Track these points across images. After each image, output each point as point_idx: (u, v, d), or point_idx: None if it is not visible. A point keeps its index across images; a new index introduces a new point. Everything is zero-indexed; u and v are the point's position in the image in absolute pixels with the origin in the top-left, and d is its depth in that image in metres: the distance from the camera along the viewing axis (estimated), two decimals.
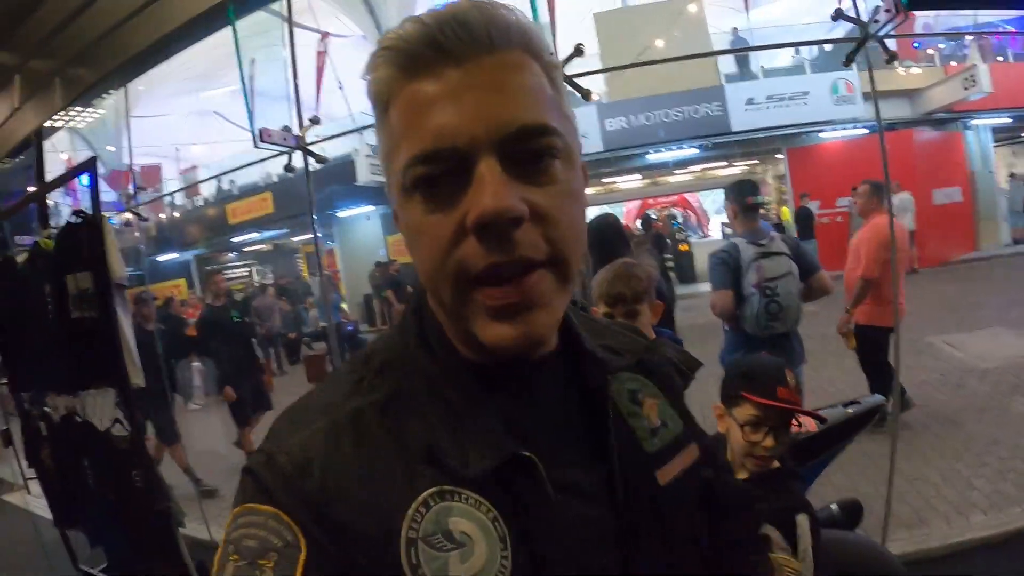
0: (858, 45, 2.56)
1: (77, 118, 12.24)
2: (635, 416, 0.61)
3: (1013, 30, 12.34)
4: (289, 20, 4.19)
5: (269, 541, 0.45)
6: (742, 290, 2.95)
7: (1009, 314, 6.69)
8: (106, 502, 2.80)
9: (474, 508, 0.48)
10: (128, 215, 4.71)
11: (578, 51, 3.27)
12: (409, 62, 0.47)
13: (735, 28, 12.39)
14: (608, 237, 2.97)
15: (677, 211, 19.46)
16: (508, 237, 0.45)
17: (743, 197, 3.08)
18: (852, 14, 2.52)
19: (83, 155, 15.56)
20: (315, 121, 3.61)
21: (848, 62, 2.70)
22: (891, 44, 2.60)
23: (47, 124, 4.01)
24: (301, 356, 11.06)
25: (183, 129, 19.75)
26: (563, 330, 0.59)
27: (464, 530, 0.47)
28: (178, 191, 17.96)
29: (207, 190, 17.20)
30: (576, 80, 3.11)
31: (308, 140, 3.46)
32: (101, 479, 2.82)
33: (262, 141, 3.54)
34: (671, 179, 15.72)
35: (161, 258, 18.40)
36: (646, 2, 12.50)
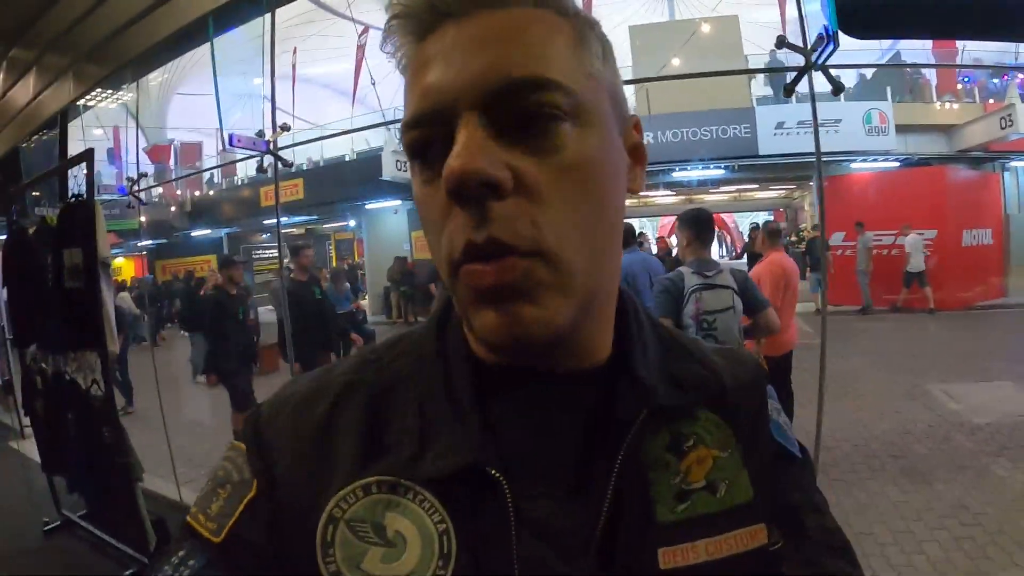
0: (799, 74, 2.51)
1: (121, 94, 12.69)
2: (663, 469, 0.48)
3: None
4: (272, 31, 4.39)
5: (231, 474, 0.48)
6: (682, 320, 2.89)
7: (1021, 368, 6.42)
8: (83, 452, 3.22)
9: (425, 512, 0.44)
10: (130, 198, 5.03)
11: (284, 127, 3.36)
12: (415, 27, 0.43)
13: (772, 50, 12.31)
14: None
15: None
16: (485, 209, 0.39)
17: (698, 227, 3.07)
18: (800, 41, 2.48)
19: (127, 130, 16.17)
20: (285, 128, 3.81)
21: (788, 92, 2.66)
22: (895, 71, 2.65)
23: (83, 101, 4.50)
24: None
25: (228, 109, 20.38)
26: (618, 344, 0.51)
27: (400, 530, 0.44)
28: (215, 168, 18.48)
29: (243, 170, 17.71)
30: None
31: (280, 144, 3.69)
32: (80, 432, 3.23)
33: (231, 145, 3.81)
34: (706, 198, 15.69)
35: (195, 233, 19.03)
36: (672, 19, 12.48)
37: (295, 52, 17.62)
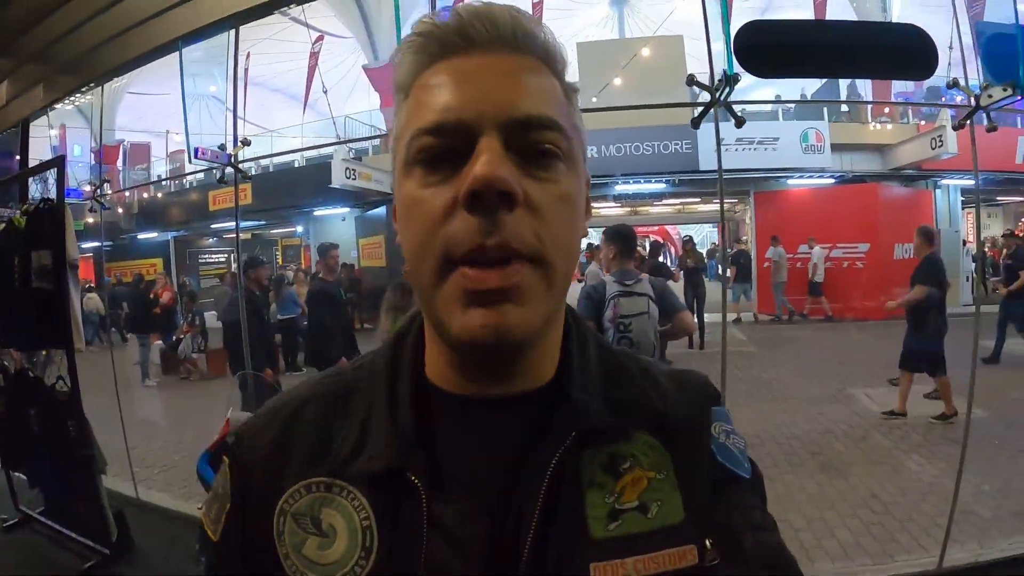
0: (705, 109, 2.73)
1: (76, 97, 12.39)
2: (598, 488, 0.51)
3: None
4: (236, 47, 4.43)
5: (219, 486, 0.57)
6: (602, 324, 3.14)
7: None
8: (45, 447, 3.36)
9: (353, 509, 0.50)
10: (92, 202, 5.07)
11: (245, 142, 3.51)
12: (437, 47, 0.48)
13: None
14: None
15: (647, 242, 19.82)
16: (497, 217, 0.43)
17: (620, 241, 3.31)
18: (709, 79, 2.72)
19: (79, 131, 15.76)
20: (246, 142, 3.89)
21: (695, 125, 2.83)
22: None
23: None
24: None
25: (179, 112, 19.93)
26: (561, 368, 0.55)
27: (332, 523, 0.50)
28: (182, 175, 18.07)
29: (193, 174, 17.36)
30: None
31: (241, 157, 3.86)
32: (43, 427, 3.37)
33: (196, 158, 3.91)
34: (651, 210, 15.96)
35: (142, 236, 18.58)
36: (621, 37, 12.68)
37: (248, 56, 17.36)
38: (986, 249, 14.76)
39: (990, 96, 2.93)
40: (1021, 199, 17.31)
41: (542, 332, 0.49)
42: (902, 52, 2.78)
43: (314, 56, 15.83)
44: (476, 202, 0.43)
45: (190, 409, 6.59)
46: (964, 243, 14.12)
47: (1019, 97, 2.91)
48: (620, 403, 0.55)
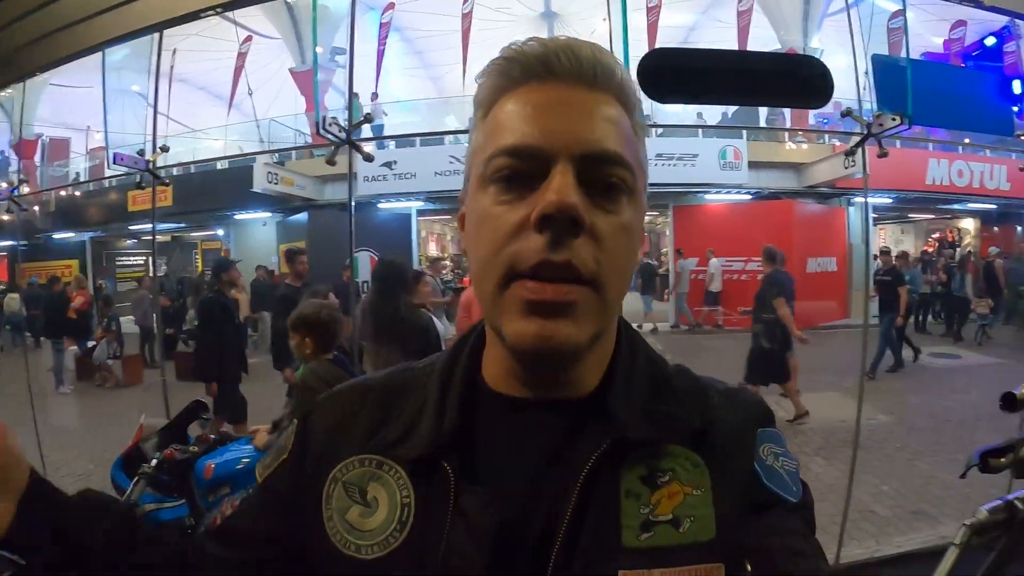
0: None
1: None
2: (635, 498, 0.53)
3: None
4: (159, 51, 4.44)
5: (282, 440, 0.66)
6: None
7: (846, 381, 7.01)
8: None
9: (397, 486, 0.57)
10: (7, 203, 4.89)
11: (367, 119, 3.51)
12: (520, 73, 0.52)
13: None
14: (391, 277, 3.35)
15: None
16: (565, 239, 0.47)
17: None
18: None
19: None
20: (164, 149, 4.01)
21: None
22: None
23: None
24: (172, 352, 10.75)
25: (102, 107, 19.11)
26: (604, 379, 0.58)
27: (377, 496, 0.56)
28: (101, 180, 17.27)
29: (113, 177, 16.65)
30: (361, 144, 3.42)
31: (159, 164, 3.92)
32: None
33: (114, 163, 3.87)
34: None
35: (57, 236, 17.69)
36: None
37: (175, 53, 16.78)
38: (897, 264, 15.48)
39: (881, 124, 3.07)
40: (931, 216, 18.29)
41: (588, 348, 0.52)
42: (799, 81, 2.92)
43: (242, 56, 15.39)
44: (546, 224, 0.47)
45: (105, 417, 6.35)
46: (875, 258, 14.78)
47: (906, 126, 3.04)
48: (661, 417, 0.56)
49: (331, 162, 3.25)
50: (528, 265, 0.48)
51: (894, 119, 3.01)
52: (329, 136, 3.01)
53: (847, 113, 3.33)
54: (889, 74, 3.55)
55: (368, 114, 3.23)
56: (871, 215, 14.30)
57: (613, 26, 3.38)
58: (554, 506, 0.52)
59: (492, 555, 0.51)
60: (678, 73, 2.87)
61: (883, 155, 3.38)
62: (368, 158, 3.46)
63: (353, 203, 3.51)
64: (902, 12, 12.72)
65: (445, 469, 0.54)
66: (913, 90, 3.16)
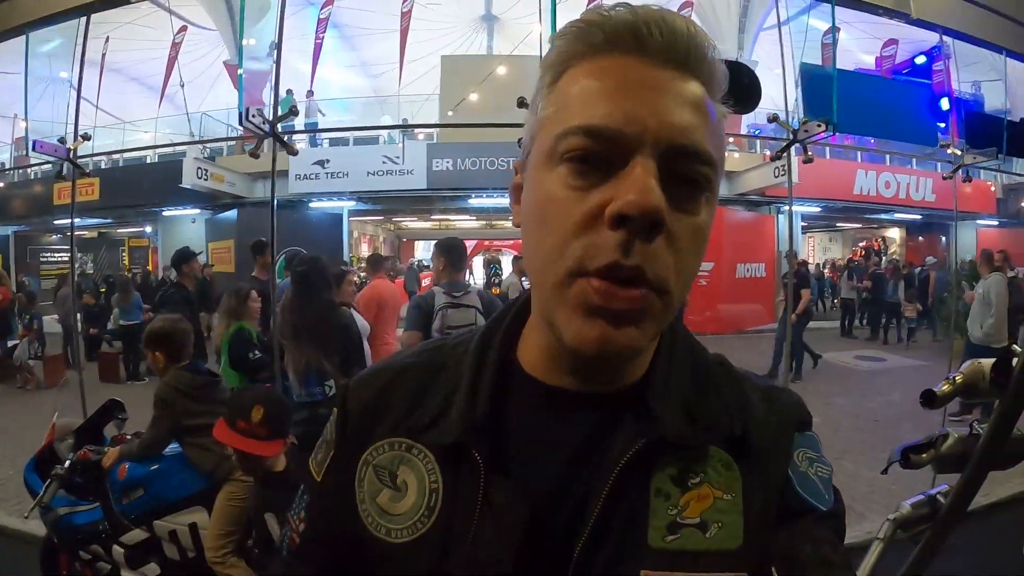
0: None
1: None
2: (664, 498, 0.51)
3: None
4: (85, 37, 4.29)
5: (327, 434, 0.64)
6: (429, 333, 3.17)
7: (769, 383, 7.17)
8: None
9: (426, 471, 0.55)
10: None
11: (293, 112, 3.42)
12: (603, 40, 0.47)
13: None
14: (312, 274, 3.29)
15: (503, 256, 20.06)
16: (641, 242, 0.44)
17: (450, 254, 3.38)
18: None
19: None
20: (85, 137, 3.93)
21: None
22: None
23: None
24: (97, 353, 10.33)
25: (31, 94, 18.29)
26: (646, 374, 0.55)
27: (407, 480, 0.55)
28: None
29: (36, 165, 15.95)
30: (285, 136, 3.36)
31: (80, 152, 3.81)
32: None
33: (34, 151, 3.82)
34: (506, 224, 16.16)
35: None
36: (489, 53, 12.82)
37: (107, 41, 16.20)
38: (825, 271, 16.05)
39: (806, 131, 3.13)
40: (859, 226, 19.00)
41: (645, 349, 0.52)
42: (738, 88, 2.97)
43: (175, 47, 14.98)
44: (623, 223, 0.43)
45: (25, 420, 6.02)
46: (804, 264, 15.25)
47: (831, 133, 3.12)
48: (700, 416, 0.54)
49: (255, 155, 3.16)
50: (598, 264, 0.44)
51: (819, 125, 3.08)
52: (252, 128, 2.91)
53: (774, 119, 3.37)
54: (816, 82, 3.67)
55: (294, 106, 3.19)
56: (799, 223, 14.81)
57: (544, 31, 3.36)
58: (583, 502, 0.51)
59: (519, 549, 0.51)
60: None
61: (808, 161, 3.46)
62: (292, 152, 3.37)
63: (275, 200, 3.40)
64: (833, 28, 13.21)
65: (475, 458, 0.52)
66: (839, 98, 3.24)
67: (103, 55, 16.62)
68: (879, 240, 18.81)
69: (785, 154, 3.48)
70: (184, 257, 5.51)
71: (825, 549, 0.52)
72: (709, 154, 0.47)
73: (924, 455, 1.00)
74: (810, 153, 3.40)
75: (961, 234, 17.03)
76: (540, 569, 0.51)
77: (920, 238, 18.26)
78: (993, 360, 0.91)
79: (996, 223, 15.69)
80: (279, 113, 3.13)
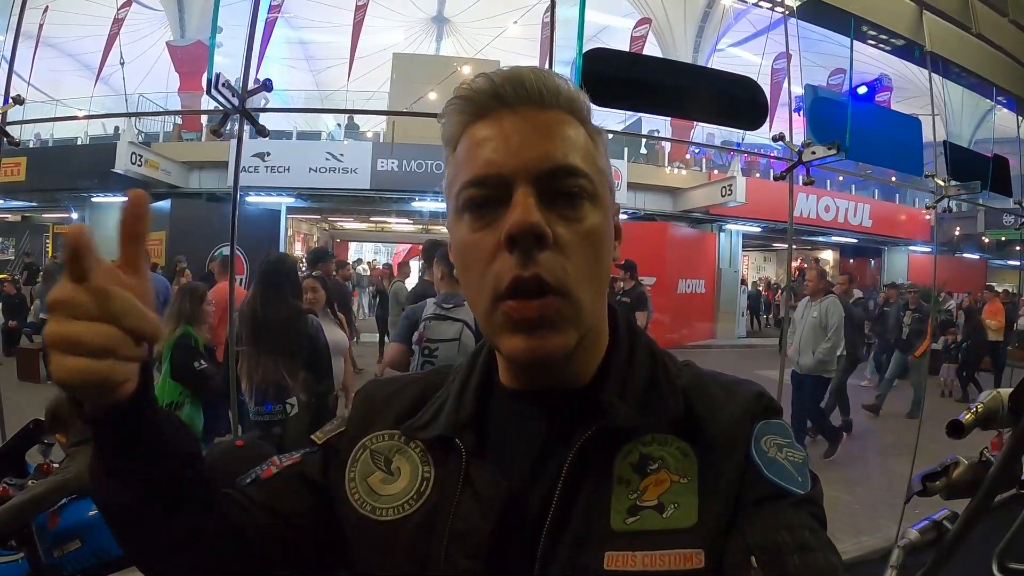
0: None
1: None
2: (625, 484, 0.56)
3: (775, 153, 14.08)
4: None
5: (343, 415, 0.73)
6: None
7: None
8: None
9: (420, 461, 0.62)
10: None
11: (266, 85, 3.02)
12: (475, 109, 0.56)
13: None
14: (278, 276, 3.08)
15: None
16: (532, 254, 0.51)
17: (452, 264, 3.24)
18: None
19: None
20: (18, 100, 3.31)
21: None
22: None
23: None
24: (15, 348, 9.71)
25: None
26: (599, 373, 0.61)
27: (400, 466, 0.62)
28: None
29: None
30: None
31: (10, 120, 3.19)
32: None
33: None
34: (444, 229, 16.08)
35: None
36: (437, 54, 12.74)
37: (46, 11, 15.42)
38: (761, 288, 16.54)
39: (813, 153, 3.09)
40: (794, 247, 19.63)
41: (576, 349, 0.55)
42: (737, 101, 2.91)
43: (117, 23, 14.38)
44: (514, 244, 0.51)
45: None
46: (742, 282, 15.67)
47: (842, 157, 3.09)
48: (653, 407, 0.58)
49: (217, 132, 2.80)
50: (505, 285, 0.52)
51: (829, 148, 3.07)
52: (219, 100, 2.56)
53: (779, 138, 3.30)
54: (822, 106, 3.67)
55: (267, 80, 2.89)
56: (740, 241, 15.21)
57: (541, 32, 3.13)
58: (549, 487, 0.56)
59: (497, 524, 0.55)
60: (621, 79, 2.84)
61: (809, 182, 3.41)
62: (263, 132, 3.04)
63: (238, 191, 3.05)
64: (784, 55, 13.64)
65: (459, 446, 0.59)
66: (851, 126, 3.26)
67: (40, 26, 15.89)
68: (815, 262, 19.48)
69: (788, 175, 3.41)
70: (320, 257, 5.34)
71: (803, 534, 0.52)
72: (578, 167, 0.54)
73: (938, 482, 1.02)
74: (811, 176, 3.36)
75: (895, 259, 17.84)
76: (516, 543, 0.55)
77: (851, 260, 19.00)
78: (1011, 390, 0.95)
79: (930, 249, 16.44)
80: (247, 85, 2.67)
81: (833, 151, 3.07)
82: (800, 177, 3.31)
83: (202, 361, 3.12)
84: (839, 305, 5.38)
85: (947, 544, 0.99)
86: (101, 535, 2.13)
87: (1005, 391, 0.96)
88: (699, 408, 0.59)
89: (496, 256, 0.53)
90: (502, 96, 0.56)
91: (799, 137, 3.31)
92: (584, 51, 2.64)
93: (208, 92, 2.56)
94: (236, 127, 2.81)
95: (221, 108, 2.63)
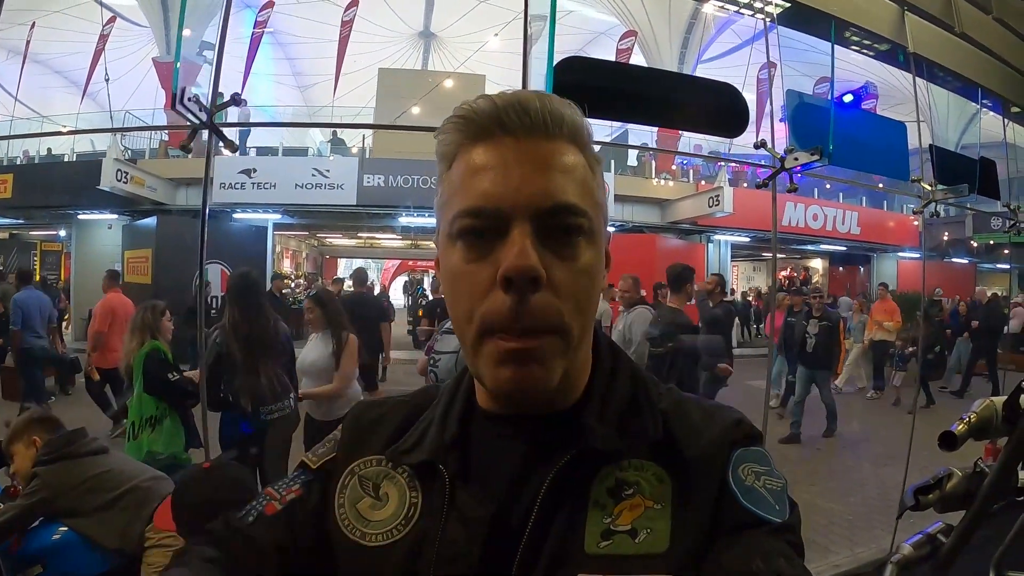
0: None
1: None
2: (600, 508, 0.56)
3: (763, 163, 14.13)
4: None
5: (334, 437, 0.72)
6: None
7: None
8: None
9: (407, 486, 0.62)
10: None
11: (234, 100, 2.96)
12: (475, 131, 0.55)
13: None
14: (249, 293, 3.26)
15: (427, 277, 19.82)
16: (527, 295, 0.51)
17: None
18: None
19: None
20: None
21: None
22: None
23: None
24: None
25: None
26: (585, 393, 0.61)
27: (388, 492, 0.62)
28: None
29: None
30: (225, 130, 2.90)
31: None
32: None
33: None
34: (432, 244, 16.06)
35: None
36: (424, 68, 12.75)
37: (33, 27, 15.41)
38: (750, 299, 16.57)
39: (796, 159, 3.04)
40: (783, 256, 19.71)
41: (560, 381, 0.55)
42: (718, 109, 2.87)
43: (103, 39, 14.36)
44: (510, 285, 0.51)
45: None
46: (731, 291, 15.70)
47: (825, 163, 3.02)
48: (632, 431, 0.58)
49: (186, 148, 2.75)
50: (498, 322, 0.52)
51: (812, 154, 3.01)
52: (187, 115, 2.52)
53: (761, 145, 3.19)
54: (804, 112, 3.63)
55: (236, 94, 2.86)
56: (729, 251, 15.25)
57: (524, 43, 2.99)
58: (527, 509, 0.56)
59: (483, 546, 0.56)
60: (601, 91, 2.79)
61: (792, 189, 3.32)
62: (232, 147, 2.98)
63: (207, 207, 3.02)
64: (767, 64, 13.69)
65: (442, 472, 0.60)
66: (834, 131, 3.21)
67: (27, 43, 15.86)
68: (801, 270, 19.55)
69: (771, 182, 3.33)
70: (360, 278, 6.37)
71: (778, 562, 0.52)
72: (576, 205, 0.55)
73: (931, 495, 0.99)
74: (795, 183, 3.29)
75: (884, 266, 17.89)
76: (503, 564, 0.55)
77: (841, 268, 19.06)
78: (1005, 398, 0.91)
79: (922, 256, 16.51)
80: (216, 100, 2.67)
81: (816, 157, 3.02)
82: (785, 184, 3.23)
83: (175, 372, 3.19)
84: (646, 316, 4.92)
85: (942, 559, 0.96)
86: (63, 560, 2.14)
87: (998, 399, 0.93)
88: (678, 433, 0.60)
89: (489, 291, 0.53)
90: (504, 122, 0.55)
91: (784, 145, 3.23)
92: (557, 61, 2.59)
93: (173, 106, 2.53)
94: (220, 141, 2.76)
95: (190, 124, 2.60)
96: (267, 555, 0.62)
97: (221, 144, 2.68)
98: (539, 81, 2.76)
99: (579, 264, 0.55)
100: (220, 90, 2.75)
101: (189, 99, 2.52)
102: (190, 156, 2.79)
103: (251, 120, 12.49)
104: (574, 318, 0.54)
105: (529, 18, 2.86)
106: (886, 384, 8.77)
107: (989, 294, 10.82)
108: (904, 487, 1.05)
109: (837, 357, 6.49)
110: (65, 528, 2.20)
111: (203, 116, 2.60)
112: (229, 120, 12.16)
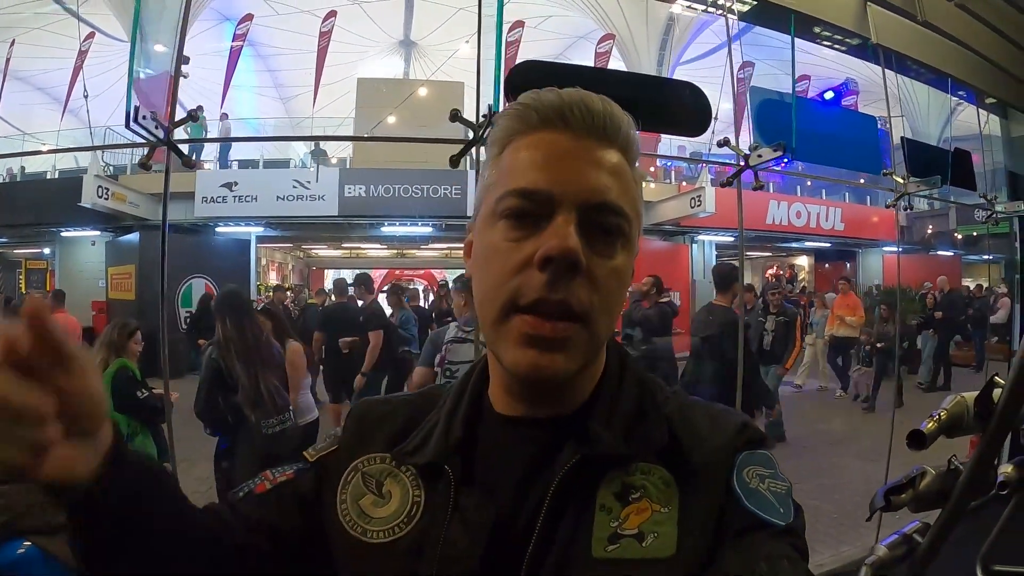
0: (466, 147, 2.72)
1: None
2: (607, 512, 0.56)
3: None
4: None
5: (335, 433, 0.73)
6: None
7: None
8: None
9: (411, 485, 0.63)
10: None
11: (192, 116, 2.91)
12: (537, 120, 0.58)
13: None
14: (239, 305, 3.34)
15: (413, 286, 19.88)
16: (564, 279, 0.53)
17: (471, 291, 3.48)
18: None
19: None
20: None
21: (454, 164, 2.76)
22: None
23: None
24: None
25: None
26: (592, 397, 0.63)
27: (391, 490, 0.63)
28: None
29: None
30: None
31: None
32: None
33: None
34: (417, 253, 16.08)
35: None
36: (405, 77, 12.78)
37: (13, 45, 15.35)
38: None
39: (759, 156, 3.01)
40: (768, 255, 19.84)
41: (576, 374, 0.58)
42: (679, 108, 2.86)
43: (82, 55, 14.29)
44: (548, 265, 0.52)
45: None
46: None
47: (789, 158, 3.07)
48: (637, 437, 0.59)
49: (145, 165, 2.71)
50: (528, 300, 0.53)
51: (775, 150, 2.99)
52: (142, 133, 2.46)
53: (725, 143, 3.22)
54: (768, 108, 3.61)
55: (193, 111, 2.82)
56: (714, 252, 15.30)
57: (483, 48, 2.99)
58: (534, 513, 0.57)
59: (485, 548, 0.56)
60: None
61: (759, 187, 3.30)
62: (188, 163, 2.97)
63: (167, 221, 3.08)
64: (749, 64, 13.80)
65: (447, 472, 0.60)
66: (797, 126, 3.18)
67: (7, 59, 15.78)
68: (787, 268, 19.61)
69: (736, 181, 3.26)
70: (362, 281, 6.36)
71: (781, 564, 0.52)
72: (621, 207, 0.57)
73: (904, 495, 0.96)
74: (760, 180, 3.24)
75: (870, 261, 17.99)
76: (505, 568, 0.56)
77: (827, 265, 19.13)
78: (976, 393, 0.88)
79: (900, 249, 16.61)
80: (174, 116, 2.58)
81: (779, 152, 3.01)
82: (750, 183, 3.23)
83: (144, 390, 3.23)
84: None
85: (919, 559, 0.94)
86: (31, 571, 2.02)
87: (969, 395, 0.90)
88: (683, 438, 0.60)
89: (523, 269, 0.54)
90: (567, 117, 0.57)
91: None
92: (514, 65, 2.59)
93: (127, 125, 2.46)
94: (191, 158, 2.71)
95: (146, 141, 2.57)
96: (254, 530, 0.64)
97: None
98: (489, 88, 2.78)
99: (614, 264, 0.57)
100: (200, 104, 2.72)
101: (143, 117, 2.49)
102: (152, 171, 2.72)
103: (231, 135, 12.50)
104: (601, 314, 0.56)
105: (483, 23, 2.91)
106: (849, 381, 8.80)
107: (973, 286, 10.80)
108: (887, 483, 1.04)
109: (790, 351, 6.35)
110: (29, 543, 2.21)
111: (160, 134, 2.57)
112: (210, 135, 12.19)
